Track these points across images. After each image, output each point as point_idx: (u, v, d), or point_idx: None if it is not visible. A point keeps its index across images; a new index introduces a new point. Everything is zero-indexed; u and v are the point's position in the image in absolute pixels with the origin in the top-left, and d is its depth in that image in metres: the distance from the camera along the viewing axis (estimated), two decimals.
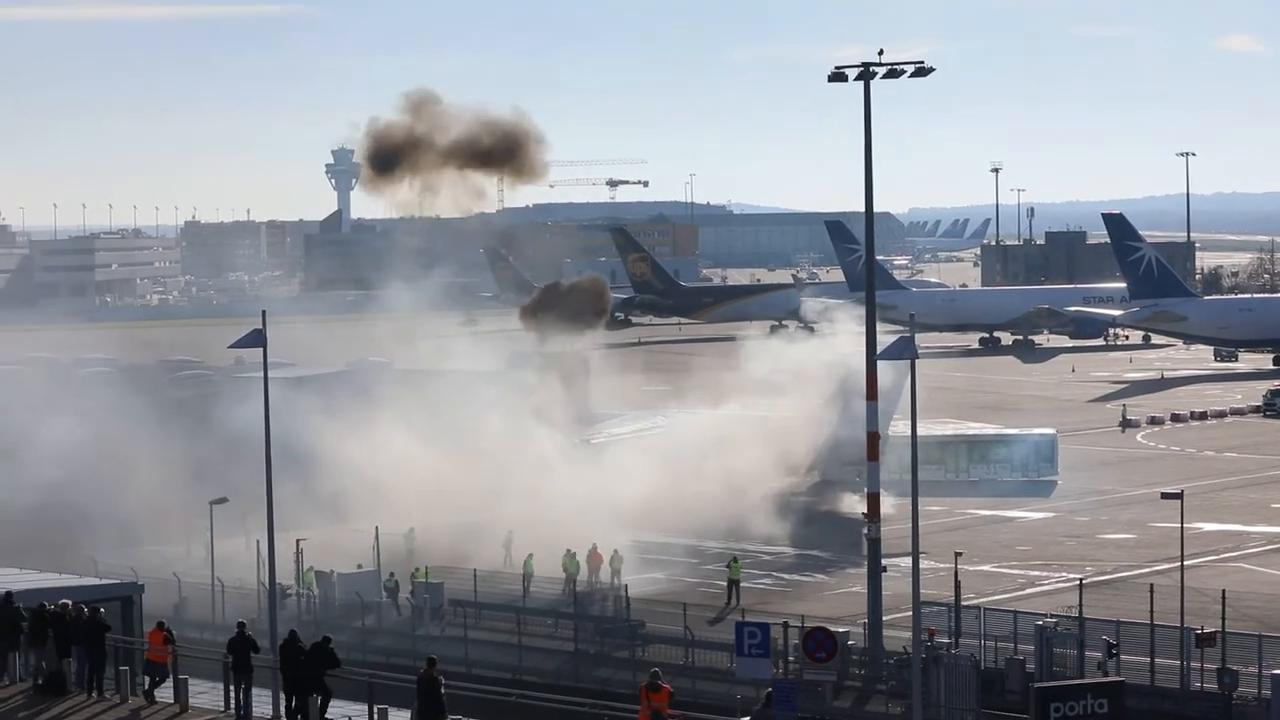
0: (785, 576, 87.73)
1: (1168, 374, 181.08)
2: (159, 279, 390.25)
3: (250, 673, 44.77)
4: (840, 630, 65.13)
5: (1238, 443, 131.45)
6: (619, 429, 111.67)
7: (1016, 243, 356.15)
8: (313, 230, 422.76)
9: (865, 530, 71.09)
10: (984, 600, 74.32)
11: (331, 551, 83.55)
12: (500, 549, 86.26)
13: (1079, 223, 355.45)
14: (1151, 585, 65.83)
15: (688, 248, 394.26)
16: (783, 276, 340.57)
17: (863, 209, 71.61)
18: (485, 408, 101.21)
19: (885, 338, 66.34)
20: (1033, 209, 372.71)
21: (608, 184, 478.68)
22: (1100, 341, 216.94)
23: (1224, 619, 63.81)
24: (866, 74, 68.55)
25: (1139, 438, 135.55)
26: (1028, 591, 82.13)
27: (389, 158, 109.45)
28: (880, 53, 68.49)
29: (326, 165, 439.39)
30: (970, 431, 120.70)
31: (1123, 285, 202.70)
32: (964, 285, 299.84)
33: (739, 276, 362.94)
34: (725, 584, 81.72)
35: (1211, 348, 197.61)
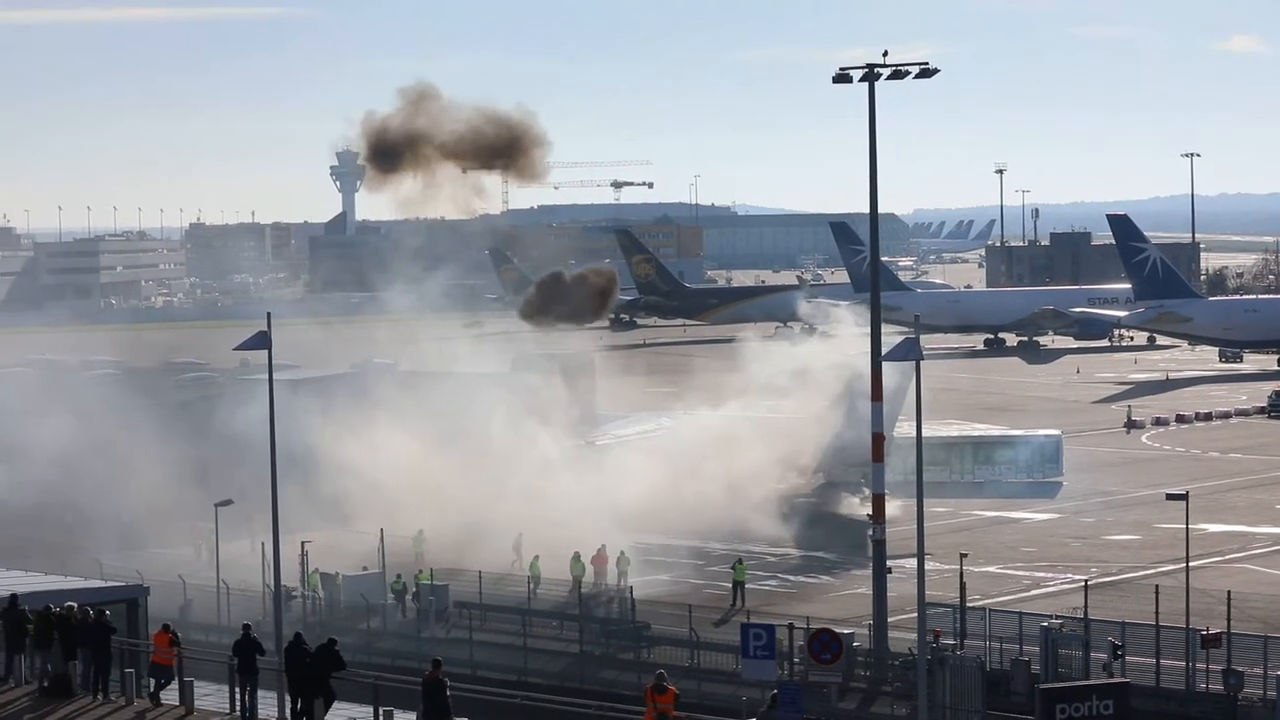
0: (790, 578, 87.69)
1: (1173, 375, 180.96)
2: (163, 281, 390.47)
3: (255, 675, 44.78)
4: (845, 632, 65.13)
5: (1243, 444, 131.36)
6: (623, 431, 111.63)
7: (1021, 244, 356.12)
8: (317, 232, 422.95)
9: (870, 532, 71.08)
10: (989, 601, 74.27)
11: (336, 554, 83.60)
12: (510, 551, 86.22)
13: (1084, 224, 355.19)
14: (1157, 586, 65.78)
15: (692, 249, 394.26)
16: (787, 278, 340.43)
17: (867, 210, 71.56)
18: (490, 410, 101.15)
19: (890, 339, 66.33)
20: (1037, 210, 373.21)
21: (612, 185, 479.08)
22: (1105, 343, 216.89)
23: (1229, 620, 63.72)
24: (871, 75, 68.52)
25: (1144, 439, 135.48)
26: (1033, 593, 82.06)
27: (389, 153, 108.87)
28: (885, 54, 68.52)
29: (331, 167, 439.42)
30: (975, 433, 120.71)
31: (1127, 286, 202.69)
32: (969, 286, 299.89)
33: (744, 278, 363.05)
34: (730, 585, 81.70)
35: (1216, 349, 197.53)
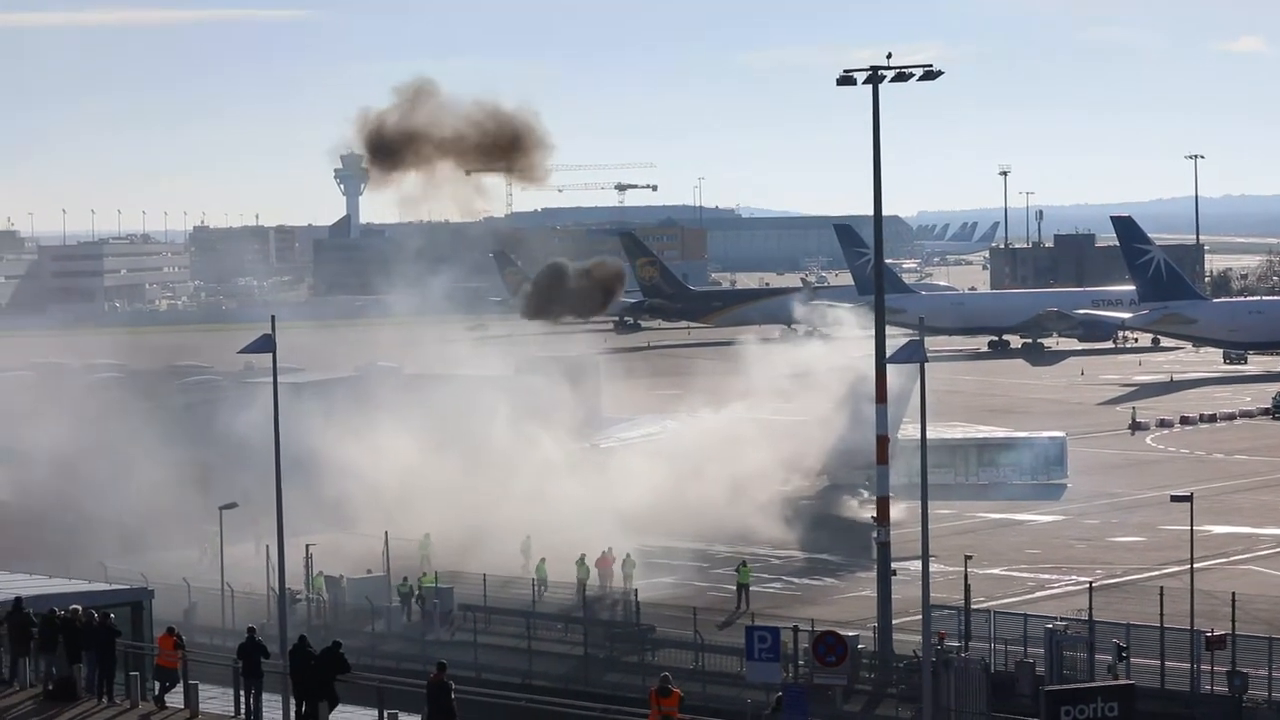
0: (795, 580, 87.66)
1: (1177, 377, 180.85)
2: (168, 284, 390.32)
3: (260, 678, 44.82)
4: (850, 634, 65.13)
5: (1247, 445, 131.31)
6: (627, 433, 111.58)
7: (1025, 246, 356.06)
8: (321, 235, 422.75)
9: (875, 534, 71.01)
10: (994, 604, 74.21)
11: (340, 557, 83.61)
12: (519, 554, 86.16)
13: (1088, 225, 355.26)
14: (1161, 588, 65.73)
15: (696, 252, 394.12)
16: (791, 280, 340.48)
17: (871, 212, 71.54)
18: (494, 413, 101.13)
19: (894, 341, 66.31)
20: (1041, 212, 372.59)
21: (616, 188, 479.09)
22: (1109, 344, 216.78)
23: (1234, 622, 63.71)
24: (875, 77, 68.51)
25: (1148, 440, 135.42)
26: (1037, 595, 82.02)
27: (388, 149, 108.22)
28: (888, 56, 68.56)
29: (335, 170, 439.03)
30: (980, 435, 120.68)
31: (1132, 288, 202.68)
32: (973, 288, 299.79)
33: (748, 280, 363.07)
34: (735, 588, 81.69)
35: (1221, 350, 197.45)
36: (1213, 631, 62.75)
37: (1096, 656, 62.85)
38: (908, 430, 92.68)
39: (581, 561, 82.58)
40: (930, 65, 69.14)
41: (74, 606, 48.04)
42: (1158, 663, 62.64)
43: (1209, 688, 62.38)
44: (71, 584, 56.87)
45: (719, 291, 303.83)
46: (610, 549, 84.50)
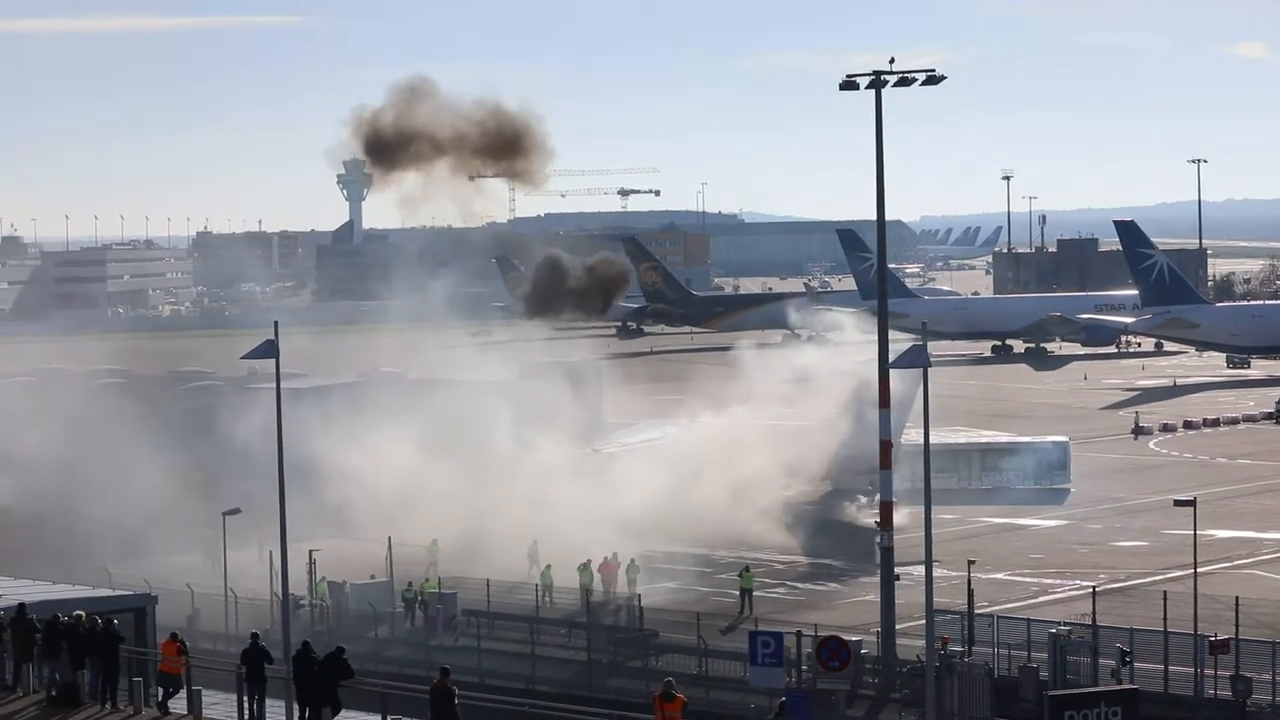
0: (798, 585, 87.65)
1: (1180, 381, 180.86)
2: (170, 290, 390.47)
3: (264, 684, 44.79)
4: (854, 639, 65.17)
5: (1250, 449, 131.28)
6: (630, 438, 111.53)
7: (1028, 250, 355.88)
8: (324, 240, 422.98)
9: (878, 539, 71.04)
10: (997, 608, 74.11)
11: (343, 563, 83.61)
12: (525, 560, 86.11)
13: (1090, 230, 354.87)
14: (1165, 592, 65.74)
15: (699, 257, 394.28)
16: (794, 285, 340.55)
17: (874, 217, 71.56)
18: (497, 418, 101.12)
19: (898, 346, 66.32)
20: (1044, 216, 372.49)
21: (619, 193, 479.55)
22: (1112, 349, 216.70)
23: (1238, 626, 63.67)
24: (878, 82, 68.57)
25: (1151, 445, 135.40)
26: (1041, 599, 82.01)
27: (384, 148, 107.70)
28: (891, 61, 68.64)
29: (338, 175, 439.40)
30: (983, 439, 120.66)
31: (1135, 292, 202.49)
32: (976, 293, 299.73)
33: (751, 285, 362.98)
34: (738, 593, 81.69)
35: (1224, 354, 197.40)
36: (1216, 636, 62.72)
37: (1100, 661, 62.83)
38: (910, 435, 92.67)
39: (584, 567, 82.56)
40: (933, 70, 69.29)
41: (77, 612, 48.01)
42: (1161, 667, 62.59)
43: (1213, 692, 62.34)
44: (75, 590, 56.88)
45: (722, 297, 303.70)
46: (615, 554, 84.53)
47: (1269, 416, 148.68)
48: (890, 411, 70.60)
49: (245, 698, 45.05)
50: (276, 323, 54.26)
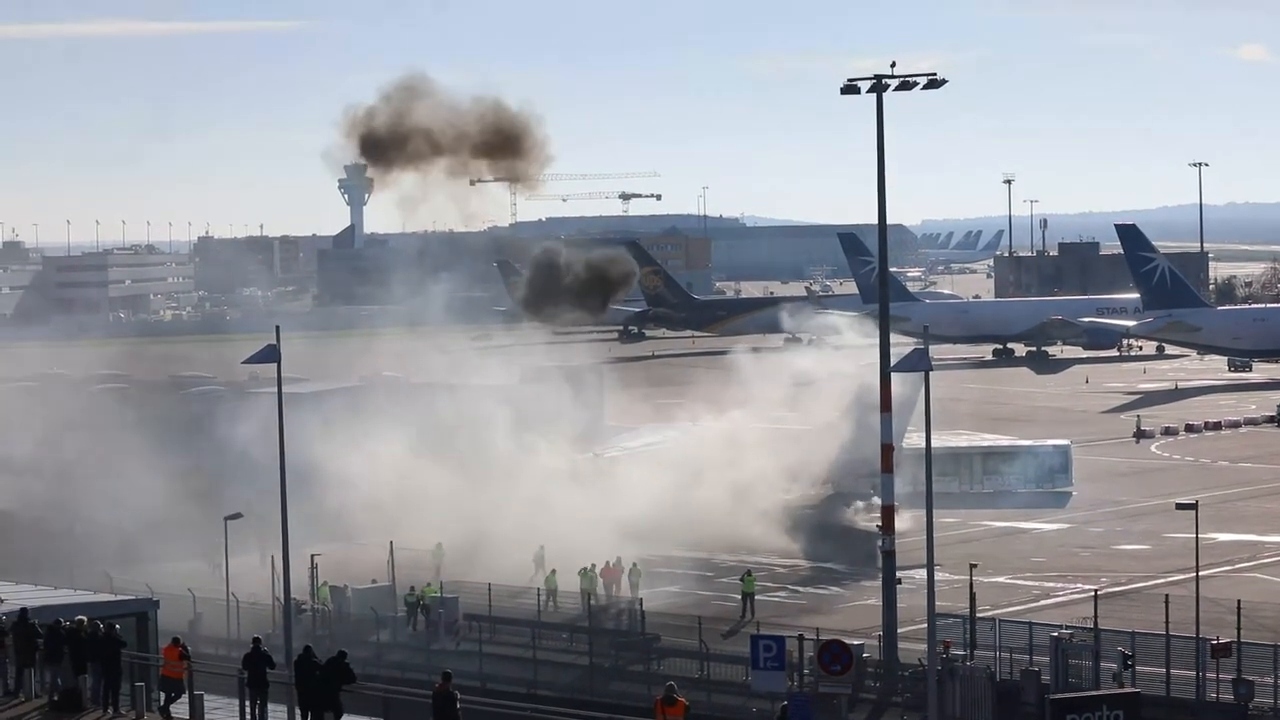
0: (800, 589, 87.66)
1: (1182, 384, 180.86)
2: (172, 295, 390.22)
3: (265, 688, 44.80)
4: (855, 643, 65.08)
5: (1252, 453, 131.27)
6: (631, 442, 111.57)
7: (1029, 254, 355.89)
8: (326, 245, 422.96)
9: (880, 543, 71.04)
10: (999, 612, 74.18)
11: (344, 567, 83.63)
12: (530, 564, 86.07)
13: (1092, 233, 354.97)
14: (1166, 596, 65.67)
15: (700, 261, 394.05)
16: (796, 289, 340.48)
17: (876, 221, 71.58)
18: (497, 422, 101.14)
19: (899, 349, 66.35)
20: (1045, 220, 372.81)
21: (620, 197, 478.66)
22: (1114, 352, 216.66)
23: (1239, 629, 63.66)
24: (879, 86, 68.62)
25: (1153, 448, 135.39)
26: (1043, 603, 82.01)
27: (379, 145, 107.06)
28: (893, 64, 68.71)
29: (339, 180, 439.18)
30: (984, 443, 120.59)
31: (1136, 296, 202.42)
32: (977, 297, 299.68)
33: (753, 289, 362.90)
34: (740, 597, 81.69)
35: (1225, 358, 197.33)
36: (1218, 639, 62.70)
37: (1102, 664, 62.83)
38: (912, 439, 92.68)
39: (586, 571, 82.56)
40: (934, 74, 69.31)
41: (79, 617, 48.03)
42: (1163, 670, 62.65)
43: (1214, 695, 62.39)
44: (76, 595, 56.90)
45: (723, 300, 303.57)
46: (618, 559, 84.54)
47: (1270, 419, 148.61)
48: (892, 415, 70.61)
49: (247, 702, 45.07)
50: (278, 327, 54.24)
